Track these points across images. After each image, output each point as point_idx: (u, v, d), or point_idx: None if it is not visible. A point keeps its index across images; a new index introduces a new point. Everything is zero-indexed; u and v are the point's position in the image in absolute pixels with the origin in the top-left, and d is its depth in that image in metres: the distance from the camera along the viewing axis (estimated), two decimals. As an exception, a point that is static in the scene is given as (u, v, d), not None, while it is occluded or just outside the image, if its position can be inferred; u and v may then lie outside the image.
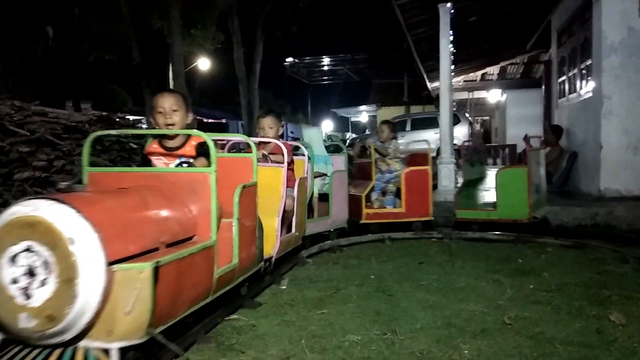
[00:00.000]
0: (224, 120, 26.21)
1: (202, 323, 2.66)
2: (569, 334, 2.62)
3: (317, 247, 4.65)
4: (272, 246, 3.56)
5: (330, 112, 37.83)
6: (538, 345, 2.50)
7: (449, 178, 6.59)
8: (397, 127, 20.96)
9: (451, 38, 6.97)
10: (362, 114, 33.53)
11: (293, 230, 3.96)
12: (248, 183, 3.03)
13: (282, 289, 3.53)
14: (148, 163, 2.96)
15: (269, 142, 4.03)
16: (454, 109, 11.25)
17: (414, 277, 3.80)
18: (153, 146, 3.01)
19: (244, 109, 19.97)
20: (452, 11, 6.93)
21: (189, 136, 2.94)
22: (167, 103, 2.95)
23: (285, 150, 3.78)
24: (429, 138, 16.45)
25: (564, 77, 9.17)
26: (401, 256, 4.49)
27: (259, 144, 4.09)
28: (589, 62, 7.38)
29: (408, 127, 17.46)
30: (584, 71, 7.79)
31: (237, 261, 2.81)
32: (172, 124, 2.95)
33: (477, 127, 23.04)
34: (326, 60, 28.65)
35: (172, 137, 2.94)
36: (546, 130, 9.09)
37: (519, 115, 16.02)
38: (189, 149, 2.95)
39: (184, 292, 2.29)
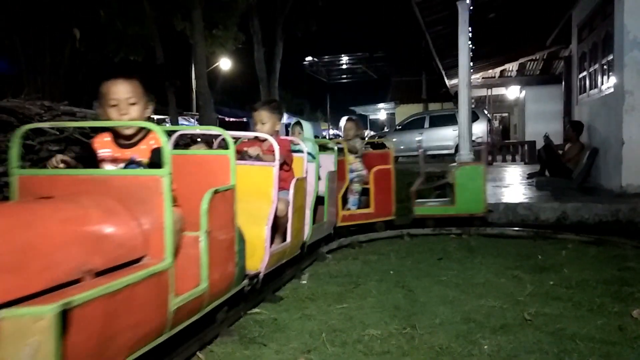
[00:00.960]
0: (245, 119, 26.39)
1: (225, 316, 2.73)
2: (590, 331, 2.61)
3: (336, 242, 4.70)
4: (259, 260, 3.04)
5: (348, 110, 37.77)
6: (559, 342, 2.49)
7: (467, 175, 6.54)
8: (415, 124, 20.87)
9: (470, 35, 6.92)
10: (381, 112, 33.40)
11: (288, 239, 3.43)
12: (222, 187, 2.49)
13: (302, 283, 3.59)
14: (93, 160, 2.35)
15: (265, 139, 3.48)
16: (473, 106, 11.18)
17: (433, 272, 3.81)
18: (104, 139, 2.39)
19: (263, 107, 20.04)
20: (471, 8, 6.89)
21: (146, 133, 2.37)
22: (123, 93, 2.33)
23: (276, 147, 3.22)
24: (447, 135, 16.44)
25: (584, 73, 9.04)
26: (420, 252, 4.51)
27: (247, 141, 3.73)
28: (610, 57, 7.27)
29: (426, 125, 17.37)
30: (605, 66, 7.68)
31: (207, 284, 2.29)
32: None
33: (496, 124, 22.79)
34: (345, 58, 28.64)
35: (127, 134, 2.35)
36: (566, 127, 8.99)
37: (538, 112, 15.82)
38: (144, 147, 2.36)
39: (121, 337, 1.71)
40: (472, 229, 5.25)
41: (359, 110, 34.86)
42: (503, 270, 3.85)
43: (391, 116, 30.53)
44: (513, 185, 8.23)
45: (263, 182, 3.22)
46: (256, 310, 2.99)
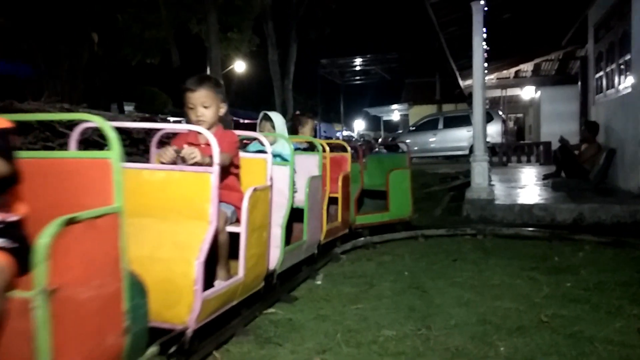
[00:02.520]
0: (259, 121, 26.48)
1: (241, 316, 2.75)
2: (609, 333, 2.58)
3: (350, 244, 4.69)
4: (186, 310, 2.12)
5: (362, 111, 37.73)
6: (576, 344, 2.46)
7: (482, 175, 6.52)
8: (429, 125, 20.81)
9: (484, 36, 6.89)
10: (394, 113, 33.29)
11: (240, 272, 2.53)
12: (86, 213, 1.51)
13: (317, 284, 3.60)
14: None
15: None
16: (487, 106, 11.11)
17: (447, 274, 3.80)
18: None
19: (278, 109, 20.17)
20: (486, 8, 6.86)
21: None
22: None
23: (214, 144, 2.25)
24: (461, 136, 16.35)
25: (601, 73, 8.93)
26: (435, 253, 4.49)
27: (180, 136, 2.80)
28: (627, 56, 7.17)
29: (440, 126, 17.30)
30: (622, 66, 7.57)
31: None
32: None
33: (511, 124, 22.61)
34: (358, 60, 28.58)
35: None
36: (582, 127, 8.89)
37: (553, 112, 15.65)
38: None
39: None
40: (487, 230, 5.22)
41: (373, 111, 34.82)
42: (519, 271, 3.82)
43: (405, 117, 30.42)
44: (528, 186, 8.16)
45: (195, 195, 2.27)
46: (271, 310, 3.00)
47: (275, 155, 3.32)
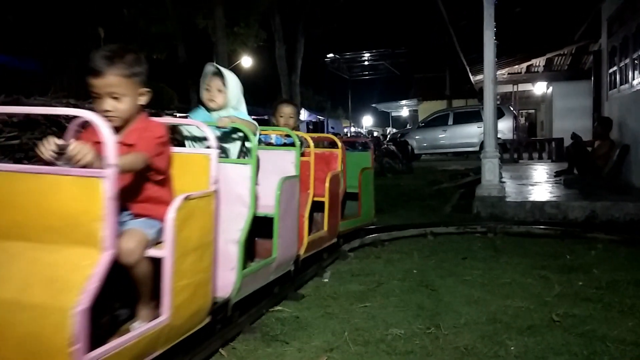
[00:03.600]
0: (266, 117, 26.54)
1: (248, 314, 2.73)
2: (621, 333, 2.55)
3: (358, 241, 4.66)
4: None
5: (370, 107, 37.66)
6: (588, 344, 2.43)
7: (492, 172, 6.45)
8: (439, 121, 20.76)
9: (495, 30, 6.80)
10: (403, 109, 33.21)
11: (164, 313, 1.89)
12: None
13: (324, 281, 3.57)
14: None
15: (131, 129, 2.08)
16: (498, 102, 11.01)
17: (457, 272, 3.75)
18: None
19: (285, 105, 20.13)
20: (497, 2, 6.77)
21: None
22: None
23: (108, 138, 1.59)
24: (471, 132, 16.23)
25: (614, 68, 8.80)
26: (444, 251, 4.44)
27: (90, 129, 2.02)
28: (642, 51, 7.06)
29: (450, 121, 17.19)
30: (636, 61, 7.45)
31: None
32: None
33: (522, 120, 22.41)
34: (366, 55, 28.53)
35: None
36: (595, 123, 8.77)
37: (566, 108, 15.47)
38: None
39: None
40: (498, 228, 5.16)
41: (381, 107, 34.76)
42: (530, 270, 3.77)
43: (414, 113, 30.33)
44: (540, 183, 8.07)
45: (80, 209, 1.61)
46: (278, 307, 2.98)
47: (228, 136, 2.80)
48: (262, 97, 30.47)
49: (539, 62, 17.01)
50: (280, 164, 3.22)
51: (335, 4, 20.94)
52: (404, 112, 33.85)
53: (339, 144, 4.13)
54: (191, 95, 15.46)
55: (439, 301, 3.11)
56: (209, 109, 2.95)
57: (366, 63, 29.55)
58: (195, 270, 2.08)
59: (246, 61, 22.43)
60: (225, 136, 2.84)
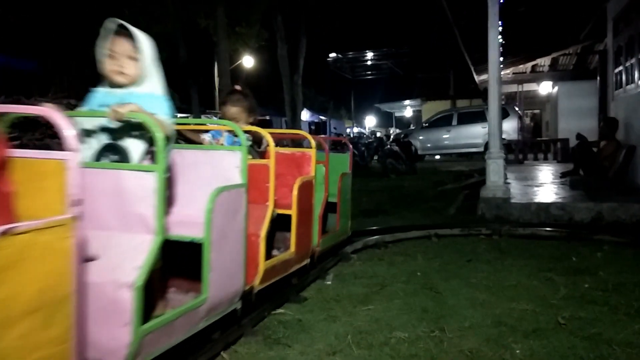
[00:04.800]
0: (267, 117, 26.53)
1: (250, 317, 2.70)
2: (628, 336, 2.53)
3: (361, 242, 4.62)
4: None
5: (373, 107, 37.62)
6: (594, 347, 2.42)
7: (497, 173, 6.41)
8: (443, 121, 20.68)
9: (500, 29, 6.76)
10: (407, 109, 33.15)
11: None
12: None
13: (327, 284, 3.54)
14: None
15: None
16: (503, 102, 10.96)
17: (461, 274, 3.72)
18: None
19: (287, 105, 20.12)
20: (501, 1, 6.72)
21: None
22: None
23: None
24: (476, 133, 16.17)
25: (620, 68, 8.74)
26: (448, 253, 4.41)
27: None
28: (648, 50, 7.00)
29: (454, 122, 17.13)
30: (643, 60, 7.39)
31: None
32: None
33: (527, 121, 22.32)
34: (369, 54, 28.50)
35: None
36: (601, 124, 8.71)
37: (571, 108, 15.40)
38: None
39: None
40: (503, 229, 5.11)
41: (384, 107, 34.72)
42: (535, 272, 3.73)
43: (417, 113, 30.27)
44: (545, 184, 8.02)
45: None
46: (280, 310, 2.95)
47: (128, 130, 2.04)
48: (264, 98, 30.52)
49: (544, 61, 16.95)
50: (220, 169, 2.51)
51: (338, 2, 20.90)
52: (408, 113, 33.79)
53: (312, 142, 3.47)
54: (192, 95, 15.46)
55: (443, 304, 3.08)
56: (113, 86, 2.15)
57: (369, 63, 29.54)
58: (33, 345, 1.34)
59: (247, 61, 22.43)
60: (124, 131, 2.05)
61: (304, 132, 3.92)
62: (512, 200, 6.15)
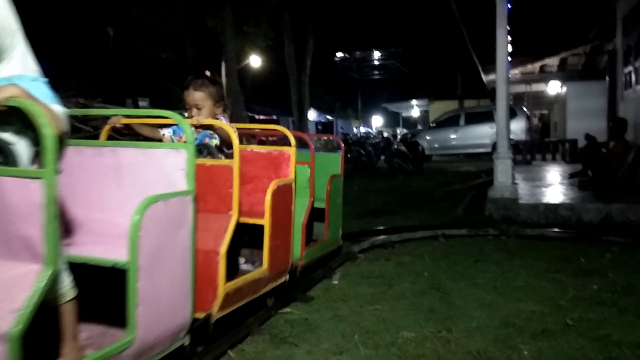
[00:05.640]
0: (274, 117, 26.55)
1: (256, 315, 2.70)
2: (637, 337, 2.51)
3: (368, 242, 4.61)
4: None
5: (380, 107, 37.53)
6: (603, 348, 2.40)
7: (505, 174, 6.38)
8: (450, 121, 20.58)
9: (508, 28, 6.73)
10: (414, 109, 33.06)
11: None
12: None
13: (333, 283, 3.53)
14: None
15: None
16: (511, 102, 10.90)
17: (469, 275, 3.70)
18: None
19: (294, 105, 20.13)
20: (510, 0, 6.69)
21: None
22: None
23: None
24: (483, 133, 16.09)
25: (630, 68, 8.68)
26: (456, 254, 4.38)
27: None
28: (659, 50, 6.94)
29: (462, 122, 17.04)
30: (653, 60, 7.33)
31: None
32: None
33: (535, 121, 22.19)
34: (377, 54, 28.46)
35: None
36: (610, 124, 8.65)
37: (580, 109, 15.29)
38: None
39: None
40: (511, 230, 5.08)
41: (391, 107, 34.64)
42: (543, 273, 3.71)
43: (425, 113, 30.19)
44: (553, 185, 7.97)
45: None
46: (287, 309, 2.95)
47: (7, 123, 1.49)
48: (270, 97, 30.56)
49: (552, 61, 16.87)
50: (162, 172, 2.06)
51: (346, 2, 20.86)
52: (415, 112, 33.69)
53: (292, 140, 3.00)
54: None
55: (450, 304, 3.06)
56: None
57: (376, 62, 29.52)
58: None
59: (255, 61, 22.46)
60: (6, 123, 1.53)
61: (281, 128, 3.29)
62: (520, 201, 6.12)
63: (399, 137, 18.57)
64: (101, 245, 1.90)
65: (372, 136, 16.91)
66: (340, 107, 38.87)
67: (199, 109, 2.67)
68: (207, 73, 2.76)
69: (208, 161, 2.48)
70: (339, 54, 27.46)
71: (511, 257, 4.24)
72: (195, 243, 2.07)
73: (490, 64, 11.26)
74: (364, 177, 11.33)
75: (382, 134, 18.40)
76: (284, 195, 2.84)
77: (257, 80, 27.22)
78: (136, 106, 11.93)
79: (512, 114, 12.71)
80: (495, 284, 3.46)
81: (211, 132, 2.70)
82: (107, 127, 2.66)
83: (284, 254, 2.93)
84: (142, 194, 1.86)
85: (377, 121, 42.98)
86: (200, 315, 2.22)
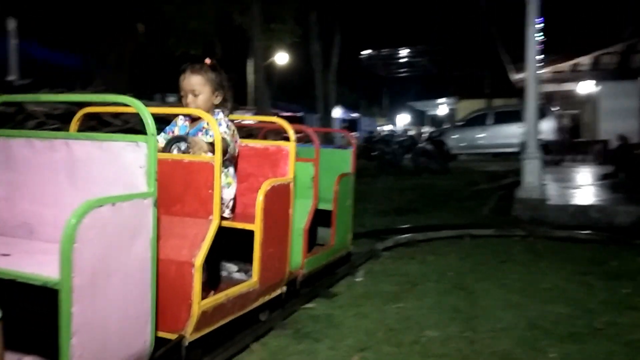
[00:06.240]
0: (300, 114, 26.60)
1: (279, 310, 2.72)
2: (670, 344, 2.44)
3: (392, 240, 4.58)
4: None
5: (406, 105, 37.23)
6: (633, 353, 2.36)
7: (534, 174, 6.26)
8: (478, 120, 20.31)
9: (539, 26, 6.60)
10: (440, 108, 32.70)
11: None
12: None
13: (357, 280, 3.52)
14: None
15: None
16: (540, 101, 10.68)
17: (495, 275, 3.65)
18: None
19: (320, 102, 20.12)
20: (541, -2, 6.56)
21: None
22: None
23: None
24: (512, 132, 15.80)
25: (667, 67, 8.41)
26: (481, 254, 4.33)
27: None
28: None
29: (490, 121, 16.78)
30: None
31: None
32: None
33: (565, 121, 21.72)
34: (403, 52, 28.23)
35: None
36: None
37: (613, 109, 14.89)
38: None
39: None
40: (539, 231, 4.99)
41: (418, 105, 34.35)
42: (572, 275, 3.64)
43: (451, 112, 29.81)
44: (584, 186, 7.79)
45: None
46: (310, 305, 2.96)
47: None
48: (296, 94, 30.65)
49: (585, 60, 16.45)
50: (120, 169, 1.78)
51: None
52: (441, 111, 33.31)
53: (291, 134, 2.69)
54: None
55: (475, 304, 3.03)
56: None
57: (403, 60, 29.26)
58: None
59: (281, 58, 22.55)
60: None
61: (279, 120, 2.90)
62: (549, 202, 6.00)
63: (424, 135, 18.42)
64: (41, 255, 1.66)
65: (397, 134, 16.79)
66: (365, 104, 38.73)
67: (195, 95, 2.46)
68: (207, 61, 2.55)
69: (187, 157, 2.18)
70: (366, 52, 27.32)
71: (539, 258, 4.16)
72: (166, 253, 1.88)
73: (519, 63, 11.05)
74: (388, 175, 11.27)
75: (407, 132, 18.25)
76: (279, 197, 2.53)
77: (283, 78, 27.35)
78: (164, 101, 12.12)
79: (542, 113, 12.45)
80: (521, 285, 3.41)
81: (206, 125, 2.43)
82: (78, 115, 2.32)
83: (280, 263, 2.60)
84: (97, 195, 1.60)
85: (403, 119, 42.67)
86: (172, 336, 1.95)
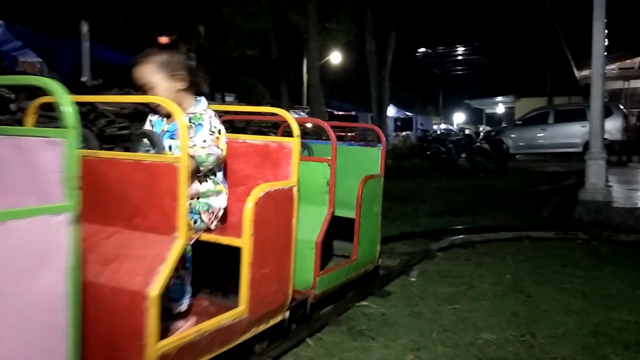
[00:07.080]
0: (353, 113, 26.59)
1: (334, 306, 2.76)
2: None
3: (447, 241, 4.52)
4: None
5: (463, 103, 36.40)
6: None
7: (598, 175, 5.98)
8: (538, 119, 19.67)
9: (606, 21, 6.29)
10: (498, 106, 31.76)
11: None
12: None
13: (411, 280, 3.51)
14: None
15: None
16: (606, 99, 10.16)
17: (555, 279, 3.53)
18: None
19: (373, 101, 20.05)
20: (609, -10, 6.25)
21: None
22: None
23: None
24: (574, 132, 15.14)
25: None
26: (540, 257, 4.19)
27: None
28: None
29: (551, 120, 16.15)
30: None
31: None
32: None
33: (633, 120, 20.56)
34: (460, 49, 27.64)
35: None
36: None
37: (686, 107, 13.97)
38: None
39: None
40: (603, 235, 4.78)
41: (474, 103, 33.51)
42: (639, 282, 3.46)
43: (510, 110, 28.90)
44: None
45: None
46: (364, 303, 2.98)
47: None
48: (350, 93, 30.64)
49: (655, 55, 15.52)
50: (34, 174, 1.32)
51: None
52: (499, 109, 32.33)
53: (295, 129, 2.21)
54: (282, 91, 15.90)
55: (534, 308, 2.95)
56: None
57: (459, 57, 28.66)
58: None
59: (335, 57, 22.60)
60: None
61: (282, 111, 2.34)
62: (614, 205, 5.72)
63: (481, 134, 17.93)
64: None
65: (453, 133, 16.45)
66: (420, 103, 38.15)
67: (149, 88, 2.01)
68: (162, 39, 2.10)
69: (148, 157, 1.71)
70: (421, 50, 26.95)
71: (603, 263, 3.99)
72: (117, 278, 1.53)
73: (584, 59, 10.56)
74: (443, 175, 11.09)
75: (463, 131, 17.83)
76: (277, 205, 2.07)
77: (337, 76, 27.43)
78: (223, 101, 12.48)
79: (608, 111, 11.86)
80: (584, 290, 3.29)
81: (188, 122, 2.02)
82: (34, 104, 1.83)
83: (279, 285, 2.13)
84: (7, 207, 1.20)
85: (459, 118, 41.74)
86: None
